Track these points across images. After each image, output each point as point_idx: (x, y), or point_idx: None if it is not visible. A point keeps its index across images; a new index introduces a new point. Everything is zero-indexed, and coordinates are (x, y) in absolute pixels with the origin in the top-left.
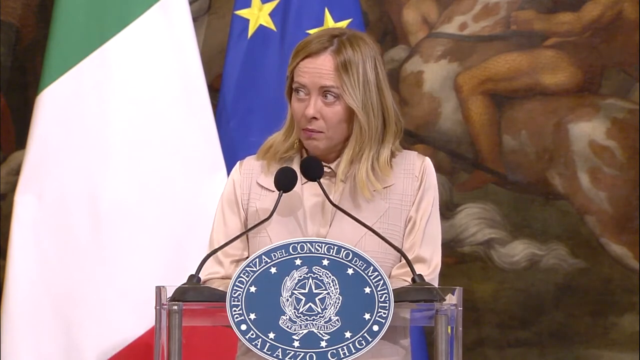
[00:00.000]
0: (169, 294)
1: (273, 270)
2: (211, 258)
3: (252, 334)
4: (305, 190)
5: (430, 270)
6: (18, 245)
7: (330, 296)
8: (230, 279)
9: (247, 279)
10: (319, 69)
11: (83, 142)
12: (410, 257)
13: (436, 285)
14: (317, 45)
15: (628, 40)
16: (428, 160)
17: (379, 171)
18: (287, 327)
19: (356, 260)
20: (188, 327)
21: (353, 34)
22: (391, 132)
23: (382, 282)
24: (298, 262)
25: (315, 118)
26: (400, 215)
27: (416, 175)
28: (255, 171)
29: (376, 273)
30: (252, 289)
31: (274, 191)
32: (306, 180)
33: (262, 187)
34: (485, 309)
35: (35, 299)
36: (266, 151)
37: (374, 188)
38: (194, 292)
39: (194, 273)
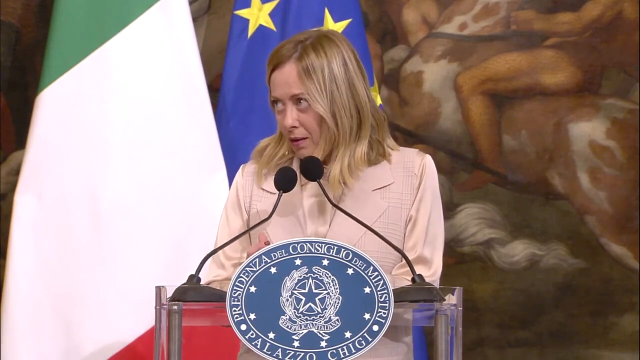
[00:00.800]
0: (169, 294)
1: (273, 270)
2: (214, 262)
3: (252, 334)
4: (305, 191)
5: (432, 272)
6: (18, 245)
7: (330, 296)
8: None
9: (247, 279)
10: (285, 79)
11: (83, 142)
12: (411, 256)
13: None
14: (282, 55)
15: (628, 40)
16: (428, 157)
17: (353, 166)
18: (287, 327)
19: (356, 260)
20: (188, 327)
21: (319, 36)
22: (367, 127)
23: (382, 282)
24: (298, 262)
25: (294, 127)
26: (400, 214)
27: (415, 173)
28: (256, 174)
29: (376, 273)
30: (252, 289)
31: (274, 193)
32: (306, 181)
33: (263, 189)
34: (485, 309)
35: (35, 299)
36: (259, 154)
37: (345, 184)
38: (194, 292)
39: (193, 273)
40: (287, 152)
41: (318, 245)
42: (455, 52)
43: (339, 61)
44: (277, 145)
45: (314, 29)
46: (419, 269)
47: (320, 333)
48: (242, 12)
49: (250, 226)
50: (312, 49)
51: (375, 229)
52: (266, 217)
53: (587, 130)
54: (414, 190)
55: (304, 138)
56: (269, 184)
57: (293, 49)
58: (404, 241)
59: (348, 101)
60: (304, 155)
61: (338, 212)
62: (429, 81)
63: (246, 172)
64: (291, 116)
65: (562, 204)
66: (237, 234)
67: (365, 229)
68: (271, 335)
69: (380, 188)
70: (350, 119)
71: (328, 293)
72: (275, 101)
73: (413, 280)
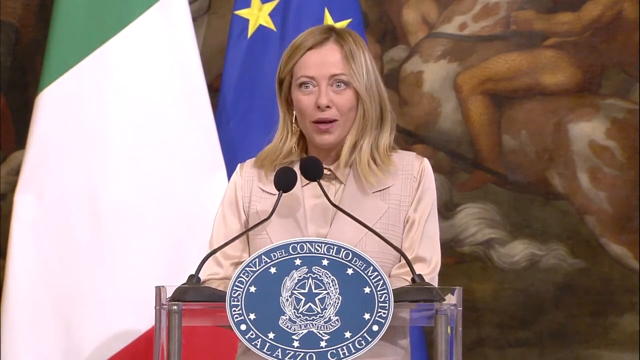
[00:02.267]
0: (169, 294)
1: (273, 270)
2: (211, 259)
3: (252, 334)
4: (306, 192)
5: (430, 270)
6: (18, 245)
7: (330, 296)
8: (229, 280)
9: (247, 279)
10: (325, 59)
11: (83, 142)
12: (409, 256)
13: (436, 285)
14: (317, 38)
15: (628, 40)
16: (426, 161)
17: (379, 160)
18: (287, 327)
19: (356, 260)
20: (188, 327)
21: (348, 30)
22: (387, 124)
23: (381, 282)
24: (298, 262)
25: (328, 107)
26: (399, 216)
27: (414, 176)
28: (256, 175)
29: (376, 273)
30: (252, 289)
31: (274, 194)
32: (307, 182)
33: (263, 190)
34: (485, 309)
35: (35, 299)
36: (263, 160)
37: (377, 177)
38: (194, 292)
39: (193, 273)
40: (293, 149)
41: (318, 245)
42: (455, 52)
43: (369, 56)
44: (282, 144)
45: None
46: (417, 268)
47: (320, 333)
48: (242, 12)
49: (250, 226)
50: (351, 38)
51: (375, 231)
52: (266, 217)
53: (587, 130)
54: (412, 192)
55: (333, 121)
56: (270, 185)
57: (326, 32)
58: (401, 242)
59: (376, 93)
60: (327, 142)
61: (339, 213)
62: (429, 81)
63: (245, 172)
64: (326, 96)
65: (562, 204)
66: (234, 234)
67: (365, 230)
68: (271, 335)
69: (380, 190)
70: (377, 110)
71: (328, 293)
72: (304, 83)
73: (413, 280)
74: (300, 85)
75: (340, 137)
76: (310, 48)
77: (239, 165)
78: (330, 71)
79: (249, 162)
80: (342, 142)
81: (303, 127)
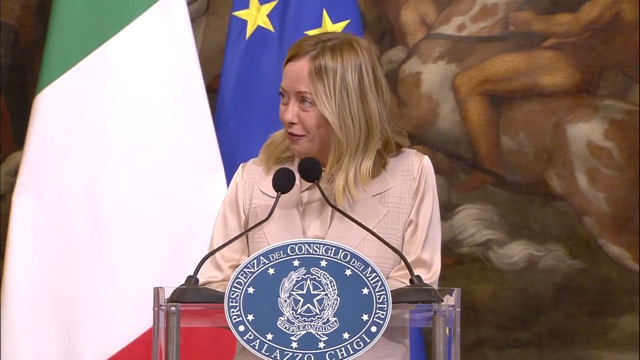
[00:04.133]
0: (167, 295)
1: (271, 271)
2: (210, 262)
3: (250, 335)
4: (305, 193)
5: (430, 275)
6: (17, 246)
7: (329, 297)
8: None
9: (245, 280)
10: (296, 73)
11: (82, 143)
12: (411, 259)
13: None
14: (300, 49)
15: (627, 40)
16: (426, 159)
17: (359, 180)
18: (285, 328)
19: (354, 261)
20: (186, 328)
21: (342, 40)
22: (374, 142)
23: (380, 283)
24: (296, 263)
25: (293, 123)
26: (399, 219)
27: (414, 177)
28: (257, 176)
29: (374, 274)
30: (250, 290)
31: (274, 196)
32: (307, 186)
33: (263, 193)
34: (484, 310)
35: (35, 299)
36: (266, 149)
37: (351, 196)
38: (192, 293)
39: (192, 274)
40: (290, 146)
41: (316, 247)
42: (454, 53)
43: (354, 69)
44: (283, 138)
45: (343, 33)
46: (418, 272)
47: (318, 334)
48: (241, 13)
49: (249, 227)
50: (330, 51)
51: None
52: (264, 218)
53: (586, 131)
54: (412, 193)
55: (301, 135)
56: (270, 185)
57: (313, 46)
58: (402, 245)
59: (358, 111)
60: (296, 151)
61: (336, 217)
62: (428, 82)
63: (246, 172)
64: (292, 112)
65: (560, 204)
66: (233, 236)
67: (364, 234)
68: (269, 336)
69: (380, 193)
70: (359, 129)
71: (326, 294)
72: (281, 93)
73: (411, 281)
74: (280, 94)
75: (311, 149)
76: (290, 59)
77: (241, 165)
78: (297, 87)
79: (251, 162)
80: (325, 150)
81: None
